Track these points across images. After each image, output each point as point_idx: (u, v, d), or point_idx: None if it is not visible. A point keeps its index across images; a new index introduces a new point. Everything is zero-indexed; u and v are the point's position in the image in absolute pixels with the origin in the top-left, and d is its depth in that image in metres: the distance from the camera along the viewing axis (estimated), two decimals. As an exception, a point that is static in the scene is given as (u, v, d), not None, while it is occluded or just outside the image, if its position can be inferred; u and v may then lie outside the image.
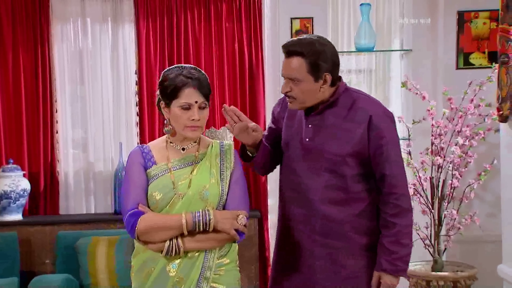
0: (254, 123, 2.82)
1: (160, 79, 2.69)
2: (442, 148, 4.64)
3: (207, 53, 5.24)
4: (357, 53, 5.28)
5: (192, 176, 2.65)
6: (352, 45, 5.26)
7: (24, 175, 5.04)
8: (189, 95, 2.60)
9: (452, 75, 4.99)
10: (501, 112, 3.80)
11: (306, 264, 2.85)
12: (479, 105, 4.63)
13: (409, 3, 5.22)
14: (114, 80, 5.34)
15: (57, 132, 5.25)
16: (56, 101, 5.25)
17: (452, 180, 4.58)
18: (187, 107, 2.61)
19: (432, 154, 4.64)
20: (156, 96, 2.73)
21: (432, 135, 4.64)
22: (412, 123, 4.71)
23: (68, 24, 5.32)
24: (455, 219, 4.66)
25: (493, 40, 4.95)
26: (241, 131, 2.79)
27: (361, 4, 5.13)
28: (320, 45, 2.75)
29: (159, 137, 5.14)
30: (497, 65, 4.44)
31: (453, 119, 4.66)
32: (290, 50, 2.75)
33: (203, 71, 2.70)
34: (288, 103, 2.85)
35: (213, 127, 4.97)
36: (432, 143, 4.63)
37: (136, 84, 5.26)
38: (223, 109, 2.80)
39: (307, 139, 2.84)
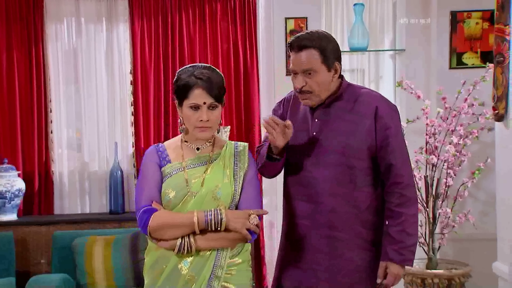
0: (285, 121, 2.78)
1: (174, 79, 2.71)
2: (436, 147, 4.69)
3: (201, 53, 5.24)
4: (350, 52, 5.31)
5: (205, 175, 2.67)
6: (345, 44, 5.29)
7: (18, 175, 5.02)
8: (198, 96, 2.62)
9: (445, 75, 5.04)
10: (496, 111, 3.86)
11: (311, 259, 2.87)
12: (473, 104, 4.68)
13: (402, 3, 5.27)
14: (108, 80, 5.34)
15: (51, 132, 5.24)
16: (50, 101, 5.24)
17: (446, 179, 4.63)
18: (195, 108, 2.63)
19: (426, 153, 4.69)
20: (172, 94, 2.76)
21: (426, 134, 4.68)
22: (407, 122, 4.75)
23: (62, 24, 5.31)
24: (449, 217, 4.70)
25: (486, 40, 5.02)
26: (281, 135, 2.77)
27: (355, 4, 5.17)
28: (326, 36, 2.83)
29: (153, 137, 5.21)
30: (491, 64, 4.51)
31: (447, 118, 4.71)
32: (301, 44, 2.78)
33: (218, 71, 2.71)
34: (302, 101, 2.87)
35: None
36: (427, 142, 4.68)
37: (131, 84, 5.26)
38: (263, 124, 2.79)
39: (314, 133, 2.86)
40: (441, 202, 4.69)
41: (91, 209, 5.34)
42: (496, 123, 3.96)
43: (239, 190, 2.69)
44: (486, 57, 4.95)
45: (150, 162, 2.71)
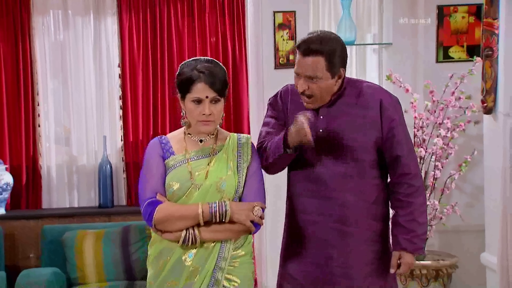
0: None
1: (177, 72, 2.72)
2: (424, 140, 4.74)
3: (190, 47, 5.23)
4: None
5: (209, 167, 2.69)
6: (333, 38, 5.30)
7: (6, 169, 4.99)
8: (200, 90, 2.63)
9: (432, 69, 5.09)
10: (485, 104, 3.92)
11: (321, 254, 2.88)
12: (460, 98, 4.74)
13: (389, -3, 5.31)
14: (96, 73, 5.30)
15: (39, 126, 5.20)
16: (37, 94, 5.19)
17: (434, 171, 4.69)
18: (198, 102, 2.64)
19: (415, 145, 4.74)
20: (176, 88, 2.76)
21: (414, 127, 4.73)
22: (395, 116, 4.78)
23: (49, 17, 5.27)
24: (436, 209, 4.76)
25: (472, 34, 5.07)
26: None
27: (342, -2, 5.20)
28: (336, 42, 2.81)
29: (142, 130, 5.20)
30: (478, 58, 4.58)
31: (435, 112, 4.76)
32: (311, 49, 2.75)
33: (221, 65, 2.73)
34: (305, 104, 2.87)
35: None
36: (415, 135, 4.73)
37: (119, 78, 5.24)
38: (301, 121, 2.67)
39: (321, 130, 2.86)
40: (429, 194, 4.74)
41: (79, 203, 5.31)
42: (485, 116, 4.03)
43: (243, 182, 2.71)
44: (472, 51, 5.01)
45: (153, 154, 2.72)
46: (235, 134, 2.84)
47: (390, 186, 2.94)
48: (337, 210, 2.85)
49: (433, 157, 4.71)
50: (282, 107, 3.01)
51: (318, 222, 2.87)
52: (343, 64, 2.84)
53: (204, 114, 2.64)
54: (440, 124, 4.73)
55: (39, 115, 5.20)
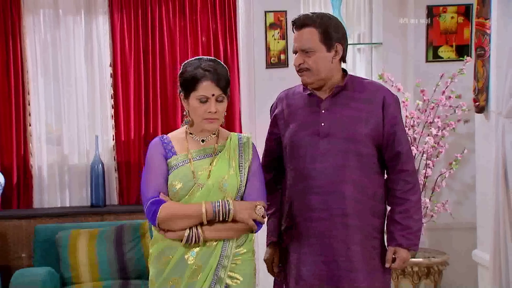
0: None
1: (180, 71, 2.73)
2: (414, 139, 4.79)
3: (182, 46, 5.25)
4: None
5: (211, 167, 2.70)
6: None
7: (-3, 169, 4.99)
8: (206, 88, 2.65)
9: (422, 68, 5.14)
10: (477, 103, 3.97)
11: (332, 251, 2.88)
12: (450, 97, 4.79)
13: (379, -3, 5.36)
14: (88, 73, 5.30)
15: (30, 125, 5.19)
16: (28, 94, 5.19)
17: (425, 170, 4.73)
18: (204, 100, 2.66)
19: (406, 144, 4.77)
20: (178, 87, 2.77)
21: (406, 126, 4.77)
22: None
23: (39, 16, 5.26)
24: (427, 207, 4.81)
25: (461, 34, 5.13)
26: None
27: (332, -3, 5.24)
28: (329, 17, 2.88)
29: (134, 129, 5.20)
30: (468, 57, 4.64)
31: (425, 111, 4.81)
32: (302, 22, 2.83)
33: (222, 63, 2.75)
34: (301, 78, 2.91)
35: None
36: (406, 134, 4.76)
37: (111, 77, 5.24)
38: None
39: (323, 124, 2.89)
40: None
41: (71, 202, 5.31)
42: (477, 114, 4.08)
43: (245, 182, 2.73)
44: (461, 50, 5.08)
45: (156, 153, 2.73)
46: (235, 133, 2.87)
47: (387, 183, 2.98)
48: (339, 204, 2.86)
49: (425, 155, 4.76)
50: (281, 110, 3.05)
51: (323, 218, 2.88)
52: (340, 40, 2.87)
53: (210, 112, 2.66)
54: (431, 123, 4.78)
55: (30, 115, 5.19)
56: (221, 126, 2.84)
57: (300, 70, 2.89)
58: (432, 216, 4.82)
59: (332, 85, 2.92)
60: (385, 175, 3.01)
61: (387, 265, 2.94)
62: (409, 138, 4.72)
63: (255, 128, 5.08)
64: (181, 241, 2.62)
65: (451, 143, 4.95)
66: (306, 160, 2.91)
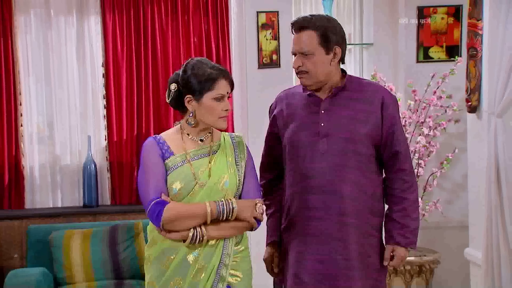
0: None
1: (186, 74, 2.71)
2: (406, 138, 4.82)
3: (174, 46, 5.26)
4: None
5: (210, 166, 2.72)
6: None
7: (-12, 170, 4.96)
8: (223, 87, 2.71)
9: (413, 68, 5.18)
10: (470, 103, 4.02)
11: (331, 250, 2.90)
12: (441, 97, 4.84)
13: (370, -3, 5.39)
14: (80, 73, 5.29)
15: (21, 126, 5.17)
16: (20, 94, 5.16)
17: (418, 169, 4.77)
18: (220, 99, 2.69)
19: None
20: (171, 92, 2.75)
21: (399, 126, 4.81)
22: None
23: (31, 16, 5.23)
24: (419, 206, 4.84)
25: (451, 34, 5.18)
26: None
27: (324, -2, 5.28)
28: (329, 20, 2.91)
29: (126, 129, 5.20)
30: (459, 58, 4.69)
31: (417, 111, 4.86)
32: (300, 25, 2.87)
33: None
34: (301, 80, 2.94)
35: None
36: (398, 134, 4.80)
37: (103, 77, 5.23)
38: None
39: (322, 124, 2.91)
40: (411, 191, 4.82)
41: (63, 203, 5.28)
42: (469, 114, 4.12)
43: (242, 180, 2.77)
44: (452, 51, 5.13)
45: (153, 153, 2.71)
46: (226, 133, 2.89)
47: (385, 182, 3.01)
48: (338, 202, 2.89)
49: (416, 155, 4.80)
50: (280, 110, 3.06)
51: (322, 217, 2.90)
52: (339, 42, 2.89)
53: (226, 110, 2.71)
54: (422, 122, 4.82)
55: (21, 115, 5.17)
56: None
57: (299, 73, 2.91)
58: (423, 215, 4.86)
59: (331, 86, 2.95)
60: (383, 174, 3.04)
61: (385, 263, 2.98)
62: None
63: (247, 128, 5.11)
64: (184, 241, 2.63)
65: (442, 142, 5.00)
66: (306, 160, 2.93)
